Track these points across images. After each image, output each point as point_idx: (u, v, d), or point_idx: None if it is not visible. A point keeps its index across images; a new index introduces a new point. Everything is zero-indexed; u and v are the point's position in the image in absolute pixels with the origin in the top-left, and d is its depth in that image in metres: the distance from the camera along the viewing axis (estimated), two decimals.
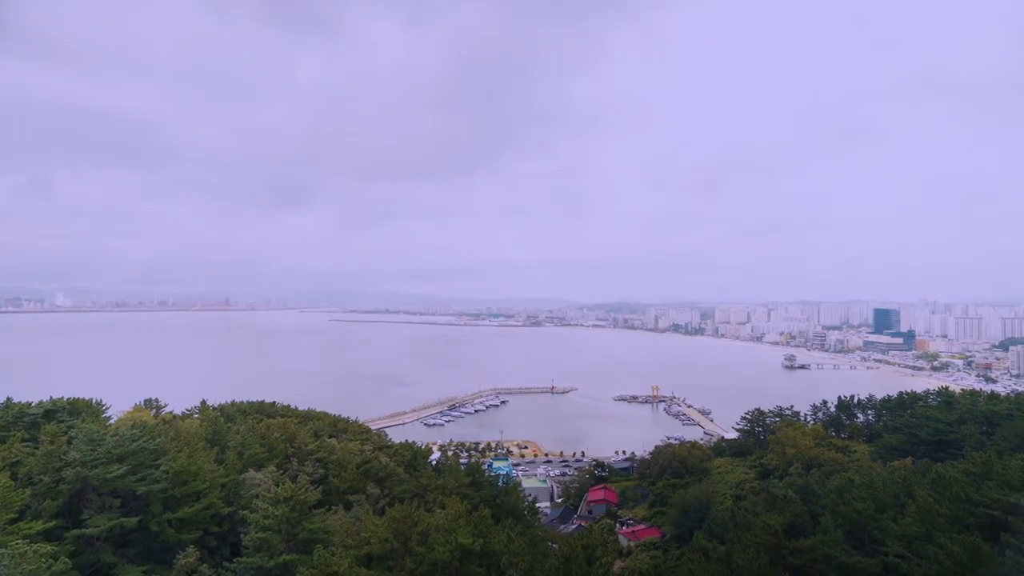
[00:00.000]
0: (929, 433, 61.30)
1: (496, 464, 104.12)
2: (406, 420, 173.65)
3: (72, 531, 25.96)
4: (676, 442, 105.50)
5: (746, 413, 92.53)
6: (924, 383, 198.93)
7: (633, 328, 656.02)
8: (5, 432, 37.32)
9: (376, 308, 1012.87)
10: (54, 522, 25.74)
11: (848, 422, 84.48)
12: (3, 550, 18.66)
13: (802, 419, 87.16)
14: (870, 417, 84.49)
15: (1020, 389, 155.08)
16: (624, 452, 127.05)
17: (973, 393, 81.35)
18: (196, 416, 57.46)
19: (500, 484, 59.31)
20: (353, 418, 78.24)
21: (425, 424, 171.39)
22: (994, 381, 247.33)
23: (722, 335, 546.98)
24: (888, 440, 65.19)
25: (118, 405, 54.05)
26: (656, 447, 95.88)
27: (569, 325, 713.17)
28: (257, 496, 31.20)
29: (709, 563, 28.72)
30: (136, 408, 54.91)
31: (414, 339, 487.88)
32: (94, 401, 49.09)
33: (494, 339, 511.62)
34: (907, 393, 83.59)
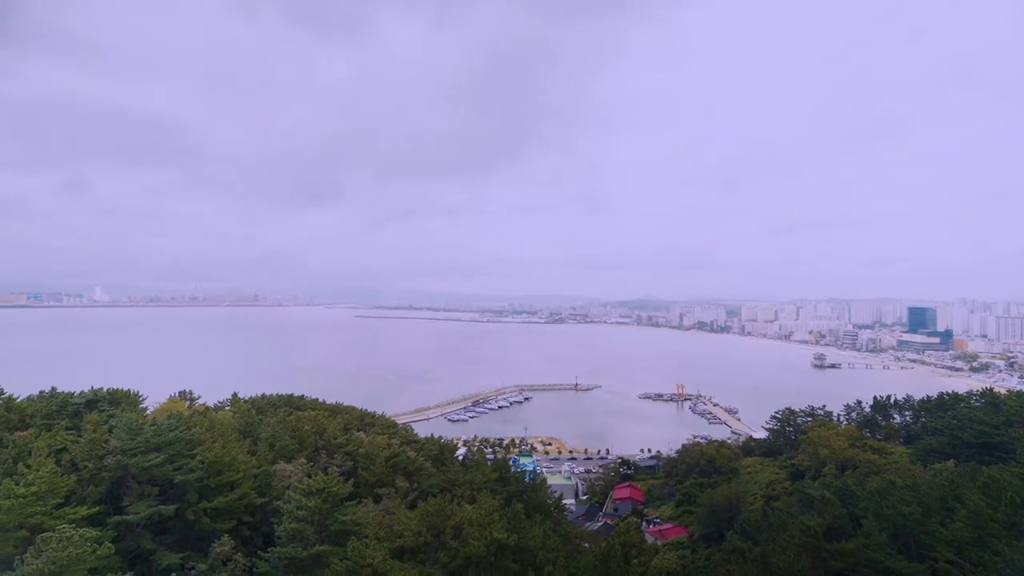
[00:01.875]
0: (973, 435, 58.84)
1: (521, 460, 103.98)
2: (430, 415, 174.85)
3: (114, 517, 26.57)
4: (703, 441, 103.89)
5: (776, 412, 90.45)
6: (963, 384, 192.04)
7: (657, 325, 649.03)
8: (50, 420, 38.53)
9: (399, 304, 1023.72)
10: (97, 508, 26.37)
11: (884, 423, 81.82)
12: (51, 534, 19.11)
13: (835, 419, 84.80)
14: (907, 418, 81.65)
15: None
16: (649, 450, 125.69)
17: (1021, 395, 77.96)
18: (228, 408, 58.67)
19: (527, 480, 59.16)
20: (379, 412, 78.92)
21: (449, 419, 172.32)
22: None
23: (749, 333, 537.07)
24: (928, 442, 62.79)
25: (154, 396, 55.49)
26: (683, 445, 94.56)
27: (592, 322, 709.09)
28: (289, 487, 31.55)
29: (745, 564, 28.00)
30: (171, 399, 56.26)
31: (437, 335, 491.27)
32: (132, 392, 50.47)
33: (517, 336, 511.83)
34: (948, 394, 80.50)
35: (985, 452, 55.17)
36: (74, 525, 21.23)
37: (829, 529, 30.27)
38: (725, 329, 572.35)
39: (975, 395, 77.95)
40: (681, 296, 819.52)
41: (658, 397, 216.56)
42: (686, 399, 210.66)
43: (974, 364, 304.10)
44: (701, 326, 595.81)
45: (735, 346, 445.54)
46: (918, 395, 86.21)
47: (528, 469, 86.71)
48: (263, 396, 67.43)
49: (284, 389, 76.88)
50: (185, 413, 44.36)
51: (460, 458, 62.43)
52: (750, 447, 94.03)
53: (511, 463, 71.66)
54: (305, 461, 37.33)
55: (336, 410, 64.72)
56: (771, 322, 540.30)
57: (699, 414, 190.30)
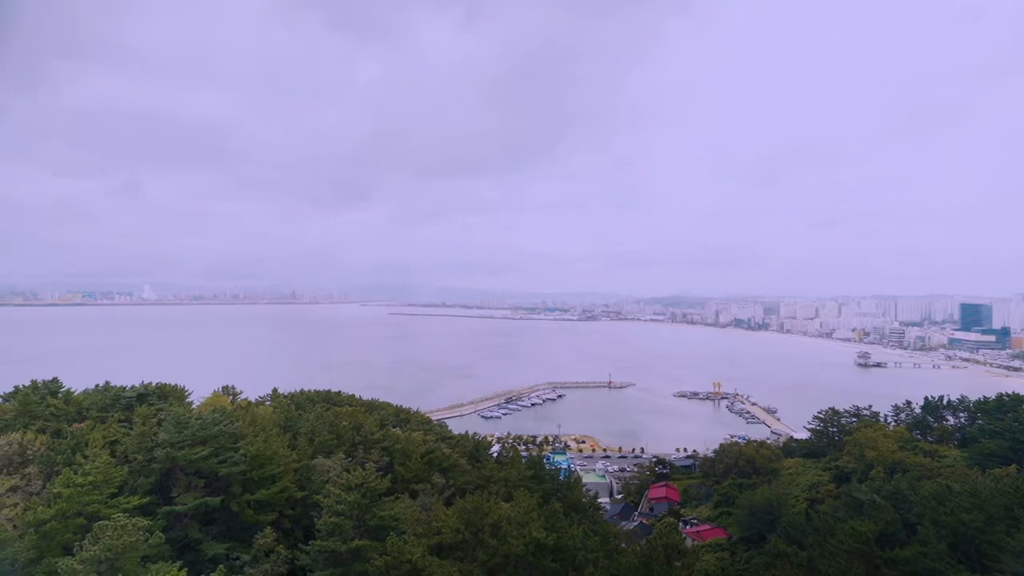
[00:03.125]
0: None
1: (555, 458, 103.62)
2: (464, 412, 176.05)
3: (163, 507, 27.52)
4: (741, 441, 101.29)
5: (819, 412, 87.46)
6: (1021, 384, 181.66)
7: (692, 323, 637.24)
8: (104, 413, 40.26)
9: (433, 302, 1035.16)
10: (148, 498, 27.35)
11: (936, 425, 78.02)
12: (107, 522, 19.85)
13: (881, 420, 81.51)
14: (962, 420, 77.65)
15: None
16: (685, 449, 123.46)
17: None
18: (268, 403, 60.20)
19: (561, 478, 58.78)
20: (414, 409, 79.76)
21: (482, 416, 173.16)
22: None
23: (788, 331, 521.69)
24: (987, 445, 59.61)
25: (199, 391, 57.39)
26: (720, 445, 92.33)
27: (625, 319, 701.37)
28: (328, 482, 32.09)
29: (791, 569, 27.01)
30: (215, 394, 58.04)
31: (471, 332, 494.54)
32: (179, 386, 52.29)
33: (550, 333, 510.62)
34: (1007, 395, 76.13)
35: None
36: (127, 514, 22.03)
37: (881, 535, 28.95)
38: (763, 326, 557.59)
39: None
40: (717, 293, 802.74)
41: (693, 395, 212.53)
42: (723, 398, 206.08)
43: None
44: (738, 323, 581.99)
45: (773, 344, 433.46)
46: (973, 396, 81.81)
47: (562, 467, 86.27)
48: (302, 392, 68.97)
49: (321, 385, 78.52)
50: (228, 408, 45.68)
51: (495, 455, 62.52)
52: (791, 448, 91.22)
53: (545, 461, 71.37)
54: (343, 456, 37.94)
55: (372, 406, 65.68)
56: (811, 319, 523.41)
57: (736, 413, 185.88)
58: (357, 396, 72.23)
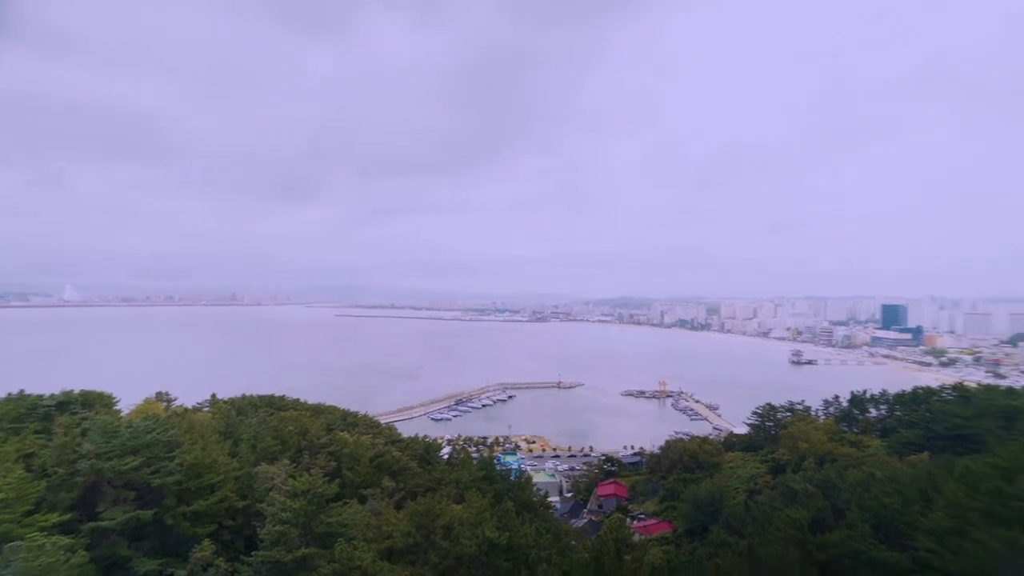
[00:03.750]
0: (946, 428, 60.45)
1: (506, 458, 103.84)
2: (413, 415, 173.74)
3: (87, 524, 25.64)
4: (685, 437, 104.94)
5: (756, 408, 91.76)
6: (934, 378, 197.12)
7: (639, 323, 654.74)
8: (19, 424, 37.09)
9: (382, 303, 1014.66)
10: (69, 515, 25.41)
11: (860, 417, 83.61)
12: (21, 543, 18.30)
13: (813, 414, 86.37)
14: (882, 412, 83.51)
15: None
16: (633, 447, 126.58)
17: (990, 388, 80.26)
18: (207, 409, 57.30)
19: (512, 478, 59.00)
20: (362, 412, 77.99)
21: (432, 419, 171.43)
22: (1003, 377, 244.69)
23: (728, 330, 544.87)
24: (904, 435, 64.33)
25: (128, 398, 53.85)
26: (666, 442, 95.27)
27: (575, 320, 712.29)
28: (272, 489, 30.86)
29: (732, 557, 28.18)
30: (147, 401, 54.69)
31: (420, 334, 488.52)
32: (105, 393, 48.92)
33: (500, 334, 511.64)
34: (921, 388, 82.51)
35: (958, 443, 56.62)
36: (45, 533, 20.39)
37: (813, 521, 30.68)
38: (705, 327, 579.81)
39: (946, 389, 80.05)
40: (662, 294, 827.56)
41: (640, 394, 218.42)
42: (668, 396, 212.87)
43: (943, 359, 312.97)
44: (682, 324, 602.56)
45: (715, 343, 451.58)
46: (892, 389, 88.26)
47: (513, 467, 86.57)
48: (243, 396, 66.04)
49: (264, 389, 75.48)
50: (162, 415, 43.16)
51: (445, 457, 62.00)
52: (732, 442, 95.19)
53: (496, 461, 71.46)
54: (288, 462, 36.59)
55: (318, 410, 63.72)
56: (750, 319, 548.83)
57: (681, 411, 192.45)
58: (302, 400, 69.83)
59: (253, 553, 25.25)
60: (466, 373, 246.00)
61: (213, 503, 29.74)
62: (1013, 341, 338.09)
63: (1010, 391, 75.26)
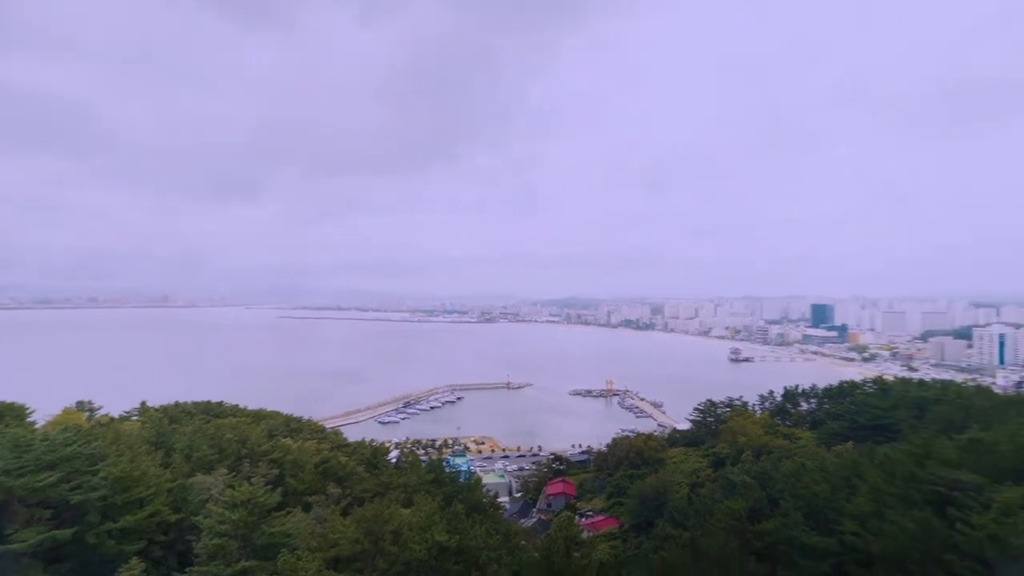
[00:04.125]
0: (868, 418, 64.92)
1: (455, 460, 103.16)
2: (360, 418, 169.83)
3: None
4: (631, 434, 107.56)
5: (698, 404, 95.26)
6: (857, 372, 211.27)
7: (586, 323, 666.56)
8: None
9: (327, 305, 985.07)
10: None
11: (793, 411, 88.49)
12: None
13: (750, 409, 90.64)
14: (812, 405, 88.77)
15: (939, 376, 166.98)
16: (581, 445, 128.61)
17: (905, 381, 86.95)
18: (136, 418, 53.84)
19: (462, 480, 58.66)
20: (307, 417, 75.51)
21: (380, 422, 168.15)
22: (915, 370, 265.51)
23: (672, 330, 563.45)
24: (831, 426, 68.64)
25: (45, 408, 49.82)
26: (613, 439, 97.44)
27: (523, 321, 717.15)
28: (208, 500, 29.34)
29: (676, 550, 29.16)
30: (67, 411, 50.80)
31: (367, 336, 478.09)
32: (16, 404, 45.05)
33: (449, 335, 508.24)
34: (846, 382, 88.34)
35: (878, 433, 60.92)
36: None
37: (751, 511, 32.18)
38: (650, 326, 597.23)
39: (868, 383, 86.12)
40: (609, 295, 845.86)
41: (588, 393, 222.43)
42: (614, 394, 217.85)
43: (865, 355, 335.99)
44: (628, 324, 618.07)
45: (659, 342, 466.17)
46: (819, 384, 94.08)
47: (462, 469, 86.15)
48: (176, 404, 62.48)
49: (200, 396, 71.63)
50: (84, 426, 40.20)
51: (393, 461, 60.91)
52: (675, 438, 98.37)
53: (445, 464, 70.91)
54: (226, 471, 34.90)
55: (260, 416, 61.15)
56: (692, 319, 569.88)
57: (627, 408, 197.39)
58: (242, 406, 66.85)
59: (188, 569, 23.93)
60: (415, 375, 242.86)
61: (142, 518, 27.95)
62: (924, 337, 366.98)
63: (921, 383, 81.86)
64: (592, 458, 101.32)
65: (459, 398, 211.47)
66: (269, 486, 32.02)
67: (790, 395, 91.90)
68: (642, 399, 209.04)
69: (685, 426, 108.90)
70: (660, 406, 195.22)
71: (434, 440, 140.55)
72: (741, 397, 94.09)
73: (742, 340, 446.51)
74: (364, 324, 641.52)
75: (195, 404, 63.22)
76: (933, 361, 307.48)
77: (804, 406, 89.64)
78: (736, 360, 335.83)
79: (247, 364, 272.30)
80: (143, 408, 56.64)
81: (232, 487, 28.11)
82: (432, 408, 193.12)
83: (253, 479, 32.28)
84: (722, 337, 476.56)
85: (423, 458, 72.10)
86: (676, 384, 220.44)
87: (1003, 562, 22.26)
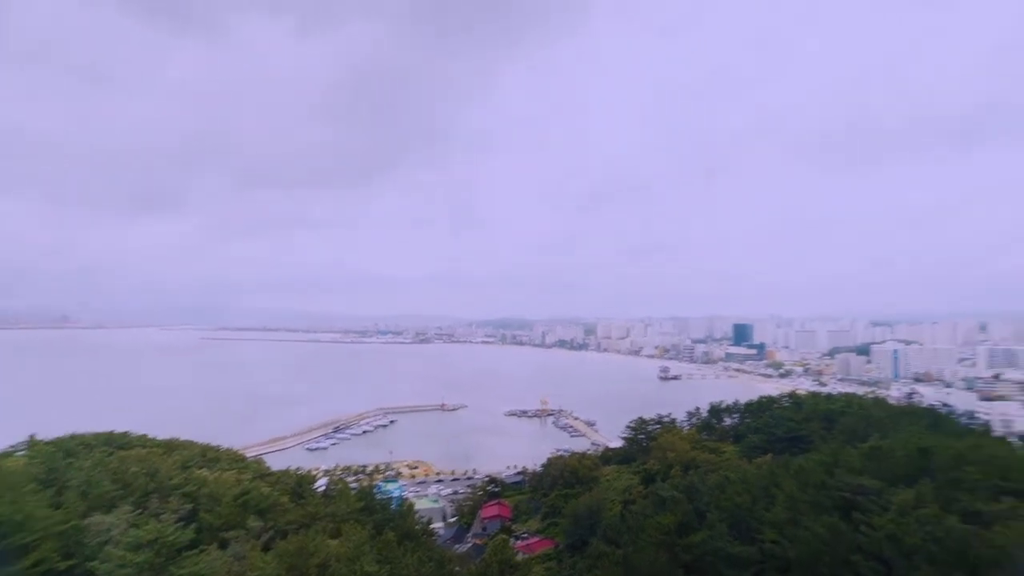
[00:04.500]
0: (784, 431, 69.12)
1: (387, 486, 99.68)
2: (287, 445, 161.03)
3: None
4: (566, 454, 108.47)
5: (630, 422, 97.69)
6: (774, 388, 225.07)
7: (521, 344, 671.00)
8: None
9: (254, 325, 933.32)
10: None
11: (718, 425, 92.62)
12: None
13: (679, 425, 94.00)
14: (735, 420, 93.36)
15: (845, 390, 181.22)
16: (516, 466, 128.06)
17: (815, 395, 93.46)
18: (21, 454, 48.18)
19: (393, 507, 56.71)
20: (226, 446, 70.54)
21: (308, 448, 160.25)
22: (825, 384, 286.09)
23: (604, 349, 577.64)
24: (752, 439, 72.42)
25: None
26: (548, 459, 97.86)
27: (458, 342, 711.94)
28: (108, 542, 26.59)
29: (609, 567, 29.47)
30: None
31: (296, 358, 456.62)
32: None
33: (382, 357, 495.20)
34: (765, 397, 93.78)
35: (793, 444, 64.90)
36: None
37: (680, 525, 33.16)
38: (583, 346, 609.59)
39: (784, 397, 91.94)
40: (544, 315, 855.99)
41: (523, 414, 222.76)
42: (549, 414, 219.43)
43: (781, 371, 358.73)
44: (562, 344, 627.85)
45: (592, 362, 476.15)
46: (743, 399, 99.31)
47: (394, 495, 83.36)
48: (73, 436, 56.51)
49: (104, 426, 65.30)
50: None
51: (321, 489, 57.97)
52: (608, 456, 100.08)
53: (376, 490, 68.37)
54: (130, 509, 31.82)
55: (172, 446, 56.41)
56: (623, 339, 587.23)
57: (561, 428, 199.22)
58: (152, 436, 61.51)
59: None
60: (346, 398, 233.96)
61: (25, 568, 24.88)
62: (831, 353, 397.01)
63: (829, 397, 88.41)
64: (527, 479, 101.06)
65: (392, 421, 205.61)
66: (181, 523, 29.58)
67: (715, 411, 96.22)
68: (576, 418, 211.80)
69: (618, 444, 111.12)
70: (593, 425, 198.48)
71: (365, 466, 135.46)
72: (670, 414, 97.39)
73: (671, 359, 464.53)
74: (293, 346, 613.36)
75: (97, 435, 57.43)
76: (839, 376, 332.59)
77: (728, 421, 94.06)
78: (665, 378, 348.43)
79: (161, 389, 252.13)
80: (32, 442, 50.85)
81: (136, 526, 25.70)
82: (364, 432, 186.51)
83: (162, 516, 29.70)
84: (652, 356, 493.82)
85: (353, 485, 69.17)
86: (609, 403, 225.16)
87: (899, 560, 24.15)
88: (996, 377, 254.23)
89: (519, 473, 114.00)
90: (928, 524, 24.13)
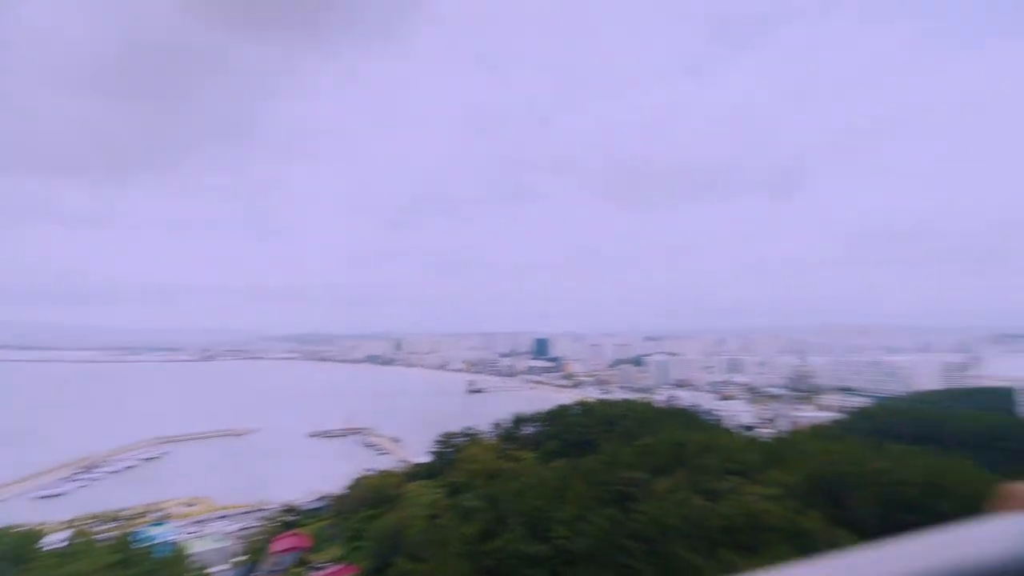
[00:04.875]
0: (576, 436, 76.84)
1: (152, 531, 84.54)
2: (8, 495, 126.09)
3: None
4: (371, 473, 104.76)
5: (438, 437, 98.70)
6: (568, 397, 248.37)
7: (327, 360, 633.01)
8: None
9: None
10: None
11: (520, 435, 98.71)
12: None
13: (484, 436, 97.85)
14: (535, 428, 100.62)
15: (625, 396, 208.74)
16: (318, 491, 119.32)
17: (602, 402, 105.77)
18: None
19: (158, 555, 48.44)
20: None
21: (41, 496, 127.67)
22: (609, 392, 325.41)
23: (413, 364, 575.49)
24: (548, 446, 78.90)
25: None
26: (352, 480, 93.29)
27: (255, 357, 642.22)
28: None
29: None
30: None
31: (33, 382, 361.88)
32: None
33: (158, 377, 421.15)
34: (560, 406, 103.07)
35: (583, 448, 72.41)
36: None
37: (483, 533, 34.47)
38: (391, 361, 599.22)
39: (575, 405, 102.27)
40: (352, 330, 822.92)
41: (327, 434, 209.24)
42: (355, 433, 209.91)
43: (574, 382, 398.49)
44: (370, 359, 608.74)
45: (400, 377, 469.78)
46: (542, 409, 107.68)
47: (163, 541, 71.13)
48: None
49: None
50: None
51: (57, 546, 46.80)
52: (415, 473, 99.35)
53: (136, 538, 57.70)
54: None
55: None
56: (431, 353, 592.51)
57: (367, 446, 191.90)
58: None
59: None
60: (104, 429, 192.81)
61: None
62: (615, 365, 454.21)
63: (611, 403, 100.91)
64: (329, 503, 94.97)
65: (164, 453, 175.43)
66: None
67: (517, 421, 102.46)
68: (382, 436, 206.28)
69: (425, 459, 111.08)
70: (400, 441, 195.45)
71: (124, 510, 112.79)
72: (477, 426, 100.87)
73: (478, 373, 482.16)
74: (30, 366, 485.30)
75: None
76: (621, 384, 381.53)
77: (529, 430, 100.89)
78: (472, 392, 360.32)
79: None
80: None
81: None
82: (128, 468, 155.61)
83: None
84: (460, 370, 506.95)
85: (104, 536, 57.22)
86: (416, 418, 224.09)
87: (660, 538, 28.61)
88: (727, 382, 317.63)
89: (321, 498, 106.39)
90: (681, 505, 29.11)
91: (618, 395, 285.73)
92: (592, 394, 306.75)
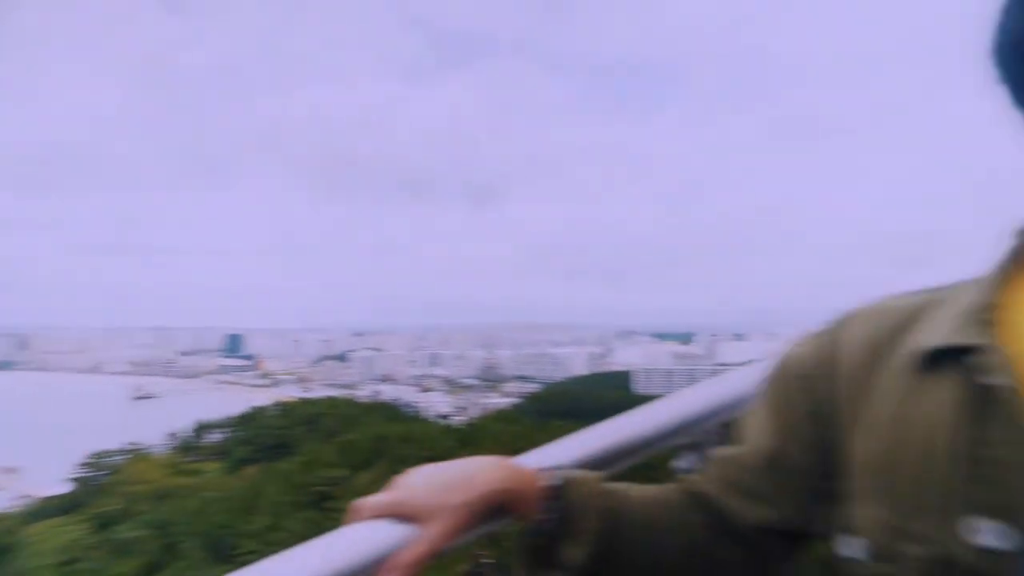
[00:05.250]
0: (272, 439, 71.35)
1: None
2: None
3: None
4: None
5: (84, 458, 79.10)
6: (265, 397, 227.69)
7: None
8: None
9: None
10: None
11: (203, 444, 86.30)
12: None
13: (155, 451, 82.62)
14: (224, 434, 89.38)
15: (328, 394, 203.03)
16: None
17: (303, 400, 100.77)
18: None
19: None
20: None
21: None
22: (311, 390, 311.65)
23: (48, 368, 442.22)
24: (239, 453, 71.20)
25: None
26: None
27: None
28: None
29: None
30: None
31: None
32: None
33: None
34: (254, 408, 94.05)
35: (281, 451, 67.70)
36: None
37: (146, 568, 29.17)
38: (10, 365, 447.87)
39: (272, 406, 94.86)
40: None
41: None
42: None
43: (272, 380, 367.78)
44: None
45: (25, 385, 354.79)
46: (234, 412, 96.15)
47: None
48: None
49: None
50: None
51: None
52: (42, 509, 77.20)
53: None
54: None
55: None
56: (79, 353, 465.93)
57: None
58: None
59: None
60: None
61: None
62: (318, 361, 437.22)
63: (313, 401, 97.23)
64: None
65: None
66: None
67: (199, 428, 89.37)
68: None
69: (61, 489, 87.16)
70: (17, 471, 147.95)
71: None
72: (144, 440, 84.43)
73: (149, 374, 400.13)
74: None
75: None
76: (325, 382, 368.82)
77: (216, 437, 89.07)
78: (139, 398, 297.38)
79: None
80: None
81: None
82: None
83: None
84: (124, 372, 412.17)
85: None
86: (50, 438, 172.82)
87: None
88: (427, 375, 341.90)
89: None
90: None
91: (321, 393, 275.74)
92: (292, 393, 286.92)
